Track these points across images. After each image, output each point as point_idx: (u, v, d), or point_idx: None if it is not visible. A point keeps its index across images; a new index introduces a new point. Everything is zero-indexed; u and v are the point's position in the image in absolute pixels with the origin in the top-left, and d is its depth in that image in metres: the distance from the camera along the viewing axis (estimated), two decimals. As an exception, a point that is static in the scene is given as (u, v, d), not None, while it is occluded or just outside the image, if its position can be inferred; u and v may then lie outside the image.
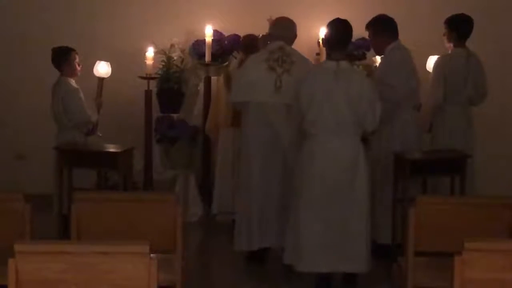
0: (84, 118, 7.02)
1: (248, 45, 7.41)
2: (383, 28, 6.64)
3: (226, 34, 8.31)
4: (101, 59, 7.52)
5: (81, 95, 7.01)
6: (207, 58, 7.90)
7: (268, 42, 6.54)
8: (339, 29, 5.65)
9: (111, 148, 6.74)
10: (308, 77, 5.64)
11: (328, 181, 5.50)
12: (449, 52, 6.95)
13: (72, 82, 7.02)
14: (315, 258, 5.50)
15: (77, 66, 7.02)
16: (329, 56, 5.70)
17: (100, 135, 7.25)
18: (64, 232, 6.36)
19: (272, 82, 6.18)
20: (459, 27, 6.91)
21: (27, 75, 8.32)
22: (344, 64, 5.57)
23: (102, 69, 7.42)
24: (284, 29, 6.43)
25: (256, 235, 6.22)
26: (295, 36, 6.48)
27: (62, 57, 6.99)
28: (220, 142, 7.64)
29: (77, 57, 7.02)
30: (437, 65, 6.94)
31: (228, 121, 7.44)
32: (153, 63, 7.85)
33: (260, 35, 7.46)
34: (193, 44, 8.31)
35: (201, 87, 8.15)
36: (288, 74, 6.16)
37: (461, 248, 3.51)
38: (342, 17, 5.80)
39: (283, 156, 6.18)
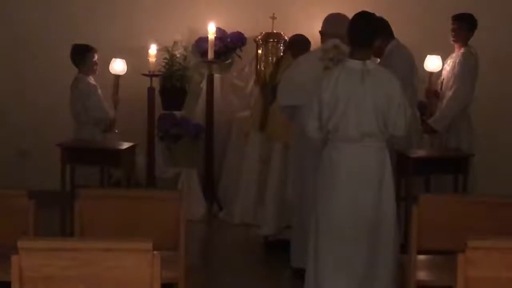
0: (102, 114, 7.07)
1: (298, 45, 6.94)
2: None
3: (229, 31, 8.32)
4: (103, 57, 7.52)
5: (99, 92, 7.06)
6: (210, 55, 7.90)
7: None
8: (365, 23, 4.96)
9: (114, 145, 6.75)
10: (330, 79, 4.91)
11: (351, 201, 4.90)
12: (462, 50, 6.91)
13: (91, 79, 7.07)
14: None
15: (93, 64, 7.04)
16: (353, 55, 4.96)
17: (117, 131, 7.27)
18: (67, 229, 6.38)
19: None
20: (474, 26, 6.89)
21: (30, 72, 8.33)
22: (370, 64, 4.94)
23: (118, 66, 7.42)
24: (337, 26, 5.81)
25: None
26: None
27: (78, 55, 7.04)
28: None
29: (95, 55, 7.05)
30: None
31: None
32: (156, 60, 7.85)
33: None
34: (196, 41, 8.33)
35: (204, 84, 8.15)
36: None
37: (464, 247, 3.51)
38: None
39: None
